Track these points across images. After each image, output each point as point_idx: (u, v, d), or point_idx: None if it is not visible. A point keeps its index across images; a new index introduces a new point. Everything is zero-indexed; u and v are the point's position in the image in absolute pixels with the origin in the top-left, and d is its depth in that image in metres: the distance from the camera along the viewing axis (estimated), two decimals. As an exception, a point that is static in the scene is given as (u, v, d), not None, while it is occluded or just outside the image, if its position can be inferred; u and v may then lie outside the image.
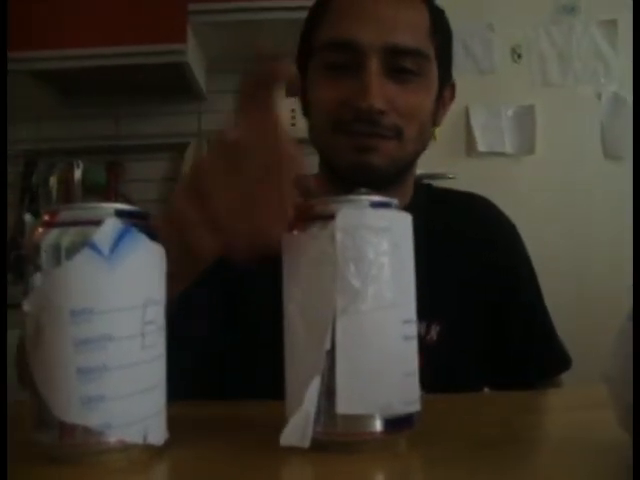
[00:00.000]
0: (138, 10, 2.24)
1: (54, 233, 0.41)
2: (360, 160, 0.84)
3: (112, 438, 0.40)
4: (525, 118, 2.60)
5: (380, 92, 0.83)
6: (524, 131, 2.60)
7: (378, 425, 0.43)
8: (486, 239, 0.97)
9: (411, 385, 0.44)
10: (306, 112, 0.95)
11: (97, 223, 0.40)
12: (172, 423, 0.44)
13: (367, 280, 0.43)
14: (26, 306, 0.40)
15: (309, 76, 0.91)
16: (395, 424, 0.44)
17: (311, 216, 0.46)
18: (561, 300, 2.32)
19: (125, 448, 0.41)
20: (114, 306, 0.40)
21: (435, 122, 0.95)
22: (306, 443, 0.42)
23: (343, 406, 0.42)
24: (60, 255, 0.40)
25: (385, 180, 0.84)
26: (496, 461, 0.42)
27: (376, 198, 0.45)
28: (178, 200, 0.54)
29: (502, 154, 2.61)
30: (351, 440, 0.43)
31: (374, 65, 0.83)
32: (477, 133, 2.60)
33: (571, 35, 2.65)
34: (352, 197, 0.45)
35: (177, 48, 2.25)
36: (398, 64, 0.85)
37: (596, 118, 2.61)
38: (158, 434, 0.43)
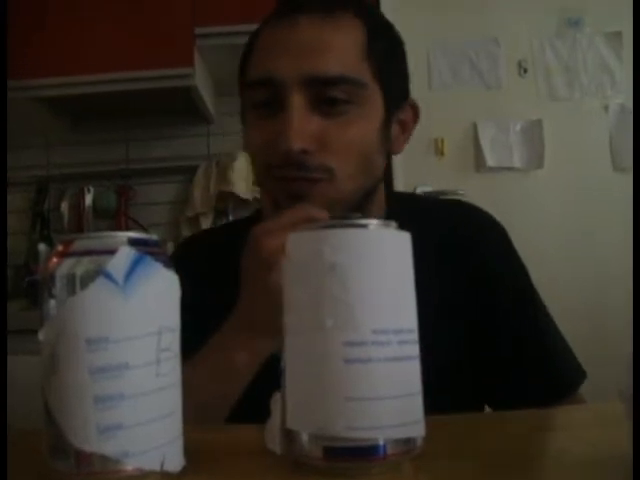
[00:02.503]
0: (145, 35, 2.26)
1: (68, 262, 0.41)
2: None
3: (129, 466, 0.40)
4: (533, 132, 2.61)
5: (302, 131, 0.75)
6: (532, 145, 2.60)
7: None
8: (467, 246, 0.89)
9: (356, 411, 0.41)
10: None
11: (111, 252, 0.41)
12: (189, 449, 0.44)
13: (312, 302, 0.43)
14: (42, 335, 0.41)
15: (244, 116, 0.86)
16: (337, 452, 0.42)
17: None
18: (570, 311, 2.32)
19: (142, 476, 0.41)
20: (129, 334, 0.40)
21: (393, 150, 0.87)
22: (278, 450, 0.45)
23: (290, 422, 0.44)
24: (75, 284, 0.40)
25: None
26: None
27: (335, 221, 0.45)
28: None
29: (511, 169, 2.61)
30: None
31: (296, 100, 0.76)
32: (486, 148, 2.61)
33: (576, 48, 2.66)
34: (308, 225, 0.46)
35: (185, 72, 2.27)
36: (326, 95, 0.77)
37: (604, 130, 2.61)
38: (175, 461, 0.43)
